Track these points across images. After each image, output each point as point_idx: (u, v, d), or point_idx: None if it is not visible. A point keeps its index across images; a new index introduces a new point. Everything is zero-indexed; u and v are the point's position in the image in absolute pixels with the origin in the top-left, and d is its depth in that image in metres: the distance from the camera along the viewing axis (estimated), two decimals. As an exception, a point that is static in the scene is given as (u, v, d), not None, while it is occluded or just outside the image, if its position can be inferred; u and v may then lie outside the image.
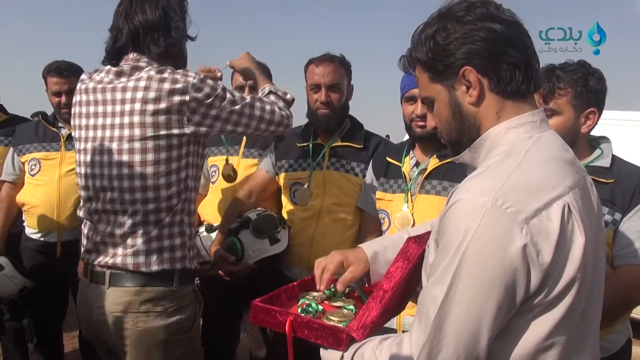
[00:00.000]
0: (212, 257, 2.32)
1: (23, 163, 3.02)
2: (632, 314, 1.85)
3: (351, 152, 2.38)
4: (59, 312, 3.14)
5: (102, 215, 1.74)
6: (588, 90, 1.75)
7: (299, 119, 2.50)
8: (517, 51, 1.04)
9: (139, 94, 1.64)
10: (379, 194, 2.16)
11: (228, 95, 1.74)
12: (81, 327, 1.94)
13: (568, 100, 1.76)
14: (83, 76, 1.84)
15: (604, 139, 1.90)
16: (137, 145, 1.65)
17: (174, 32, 1.75)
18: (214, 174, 2.71)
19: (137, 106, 1.64)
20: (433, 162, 2.02)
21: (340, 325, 1.25)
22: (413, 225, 1.94)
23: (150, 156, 1.66)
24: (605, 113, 1.85)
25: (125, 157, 1.67)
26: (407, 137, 2.21)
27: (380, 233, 2.21)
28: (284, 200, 2.47)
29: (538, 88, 1.13)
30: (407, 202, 2.02)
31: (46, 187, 2.92)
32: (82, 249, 1.82)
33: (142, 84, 1.65)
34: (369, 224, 2.25)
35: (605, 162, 1.81)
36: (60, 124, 3.05)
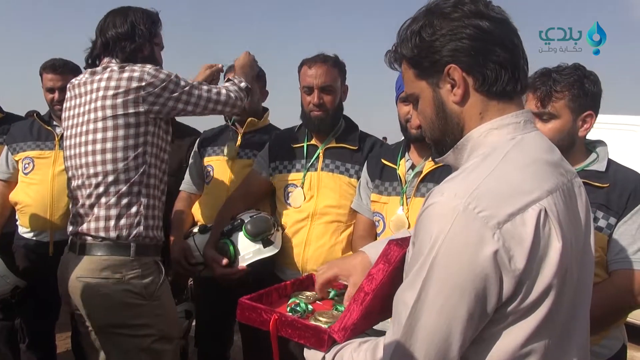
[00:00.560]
0: (205, 259, 2.30)
1: (17, 162, 2.99)
2: (627, 319, 1.85)
3: (345, 153, 2.36)
4: (51, 312, 3.11)
5: (77, 190, 2.05)
6: (585, 93, 1.75)
7: (294, 120, 2.49)
8: (504, 50, 1.01)
9: (103, 84, 1.98)
10: (373, 196, 2.14)
11: (181, 81, 2.06)
12: (63, 300, 2.12)
13: (565, 103, 1.75)
14: (73, 80, 2.15)
15: (600, 142, 1.89)
16: (99, 124, 1.97)
17: (138, 39, 2.10)
18: (208, 174, 2.69)
19: (101, 93, 1.98)
20: (429, 165, 2.00)
21: (326, 326, 1.25)
22: (408, 228, 1.92)
23: (109, 133, 1.96)
24: (605, 117, 1.84)
25: (90, 137, 1.98)
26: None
27: (374, 236, 2.20)
28: (278, 201, 2.45)
29: (525, 90, 1.10)
30: (403, 205, 2.00)
31: (39, 186, 2.90)
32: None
33: (105, 75, 2.00)
34: (363, 226, 2.23)
35: (601, 166, 1.79)
36: (54, 123, 3.02)
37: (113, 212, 1.96)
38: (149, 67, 2.00)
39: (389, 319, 1.05)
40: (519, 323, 0.93)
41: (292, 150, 2.43)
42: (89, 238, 1.98)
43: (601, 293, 1.69)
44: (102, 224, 1.96)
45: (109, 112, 1.95)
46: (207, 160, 2.72)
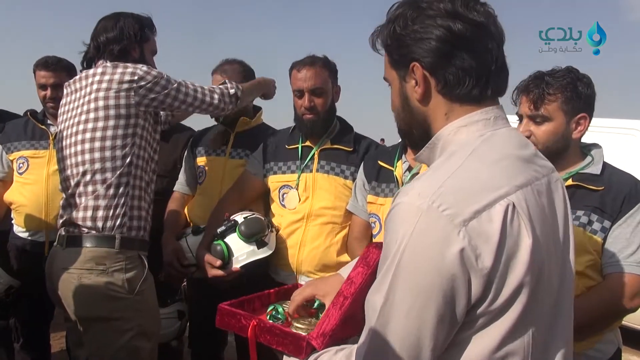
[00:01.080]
0: (198, 260, 2.29)
1: (11, 161, 2.98)
2: (622, 322, 1.84)
3: (341, 154, 2.35)
4: (46, 312, 3.09)
5: (66, 181, 2.09)
6: (578, 95, 1.74)
7: (289, 121, 2.50)
8: (471, 56, 0.97)
9: (97, 78, 2.05)
10: (370, 197, 2.14)
11: (172, 79, 2.13)
12: (50, 296, 2.15)
13: (558, 105, 1.75)
14: (70, 80, 2.21)
15: (595, 145, 1.89)
16: (91, 115, 2.02)
17: (125, 42, 2.18)
18: (200, 174, 2.68)
19: (94, 87, 2.04)
20: (425, 167, 1.99)
21: (305, 333, 1.24)
22: None
23: (100, 123, 2.00)
24: (603, 121, 1.84)
25: (81, 127, 2.03)
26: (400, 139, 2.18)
27: (370, 237, 2.20)
28: (272, 202, 2.43)
29: (499, 93, 1.05)
30: None
31: (34, 185, 2.88)
32: None
33: (99, 71, 2.08)
34: (358, 228, 2.23)
35: (596, 169, 1.79)
36: (49, 122, 3.00)
37: (101, 202, 2.00)
38: (141, 65, 2.08)
39: None
40: (492, 325, 0.89)
41: (286, 152, 2.42)
42: (75, 230, 2.02)
43: (595, 297, 1.69)
44: (89, 213, 1.99)
45: (100, 103, 2.01)
46: (199, 161, 2.70)
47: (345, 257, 2.25)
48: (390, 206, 0.94)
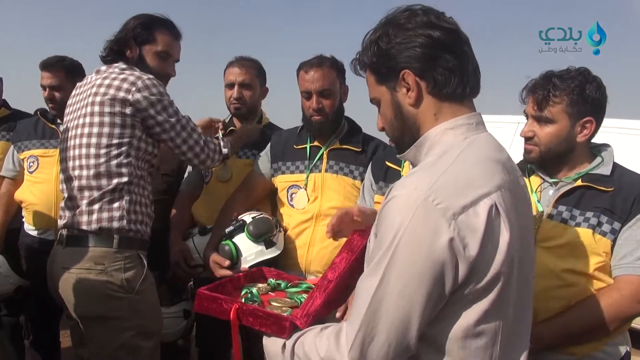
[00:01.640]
0: (205, 260, 2.29)
1: (22, 160, 3.00)
2: (631, 324, 1.83)
3: (349, 155, 2.35)
4: (55, 309, 3.10)
5: (65, 183, 2.10)
6: (584, 98, 1.72)
7: (296, 121, 2.50)
8: (453, 57, 1.10)
9: (99, 81, 2.04)
10: (377, 197, 2.14)
11: (172, 108, 2.09)
12: (52, 294, 2.15)
13: (563, 108, 1.74)
14: (81, 82, 2.19)
15: (605, 146, 1.87)
16: (87, 119, 2.01)
17: (123, 42, 2.15)
18: (207, 174, 2.68)
19: (94, 90, 2.03)
20: (407, 165, 2.00)
21: (283, 312, 1.32)
22: None
23: (95, 129, 1.99)
24: (605, 121, 1.82)
25: (79, 130, 2.03)
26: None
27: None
28: (280, 202, 2.44)
29: (475, 92, 1.17)
30: None
31: (44, 184, 2.90)
32: None
33: (104, 75, 2.06)
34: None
35: (606, 170, 1.78)
36: (58, 121, 3.01)
37: (95, 206, 1.99)
38: (146, 77, 2.04)
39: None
40: (474, 305, 1.01)
41: (294, 152, 2.42)
42: (74, 230, 2.02)
43: (605, 299, 1.69)
44: (84, 218, 1.99)
45: (96, 108, 1.99)
46: None
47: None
48: (386, 198, 1.05)
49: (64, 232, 2.06)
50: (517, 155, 3.77)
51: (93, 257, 1.97)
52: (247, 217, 2.21)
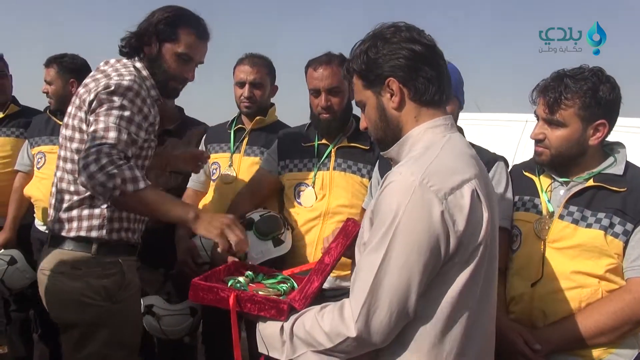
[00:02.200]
0: (212, 258, 2.29)
1: (33, 155, 3.06)
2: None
3: (357, 153, 2.34)
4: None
5: (53, 184, 1.98)
6: (597, 101, 1.68)
7: (304, 118, 2.49)
8: (431, 69, 1.28)
9: (88, 80, 1.91)
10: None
11: (117, 112, 1.76)
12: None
13: (575, 111, 1.70)
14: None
15: (618, 144, 1.84)
16: (71, 121, 1.88)
17: (142, 36, 1.94)
18: (214, 171, 2.68)
19: (82, 89, 1.90)
20: None
21: (272, 296, 1.38)
22: None
23: (69, 132, 1.88)
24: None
25: (63, 130, 1.92)
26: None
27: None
28: (287, 200, 2.43)
29: (449, 98, 1.37)
30: None
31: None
32: None
33: (95, 72, 1.93)
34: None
35: (618, 170, 1.76)
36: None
37: (74, 212, 1.87)
38: (120, 79, 1.82)
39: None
40: (457, 276, 1.18)
41: (302, 149, 2.41)
42: (56, 229, 1.91)
43: (617, 301, 1.67)
44: (65, 224, 1.87)
45: (72, 111, 1.89)
46: (213, 157, 2.69)
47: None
48: (382, 185, 1.21)
49: (49, 230, 1.98)
50: (525, 154, 3.74)
51: (70, 261, 1.86)
52: (255, 215, 2.21)
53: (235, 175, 2.59)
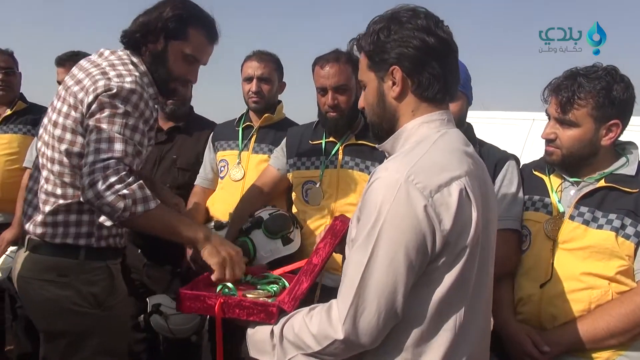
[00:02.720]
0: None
1: None
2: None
3: (366, 150, 2.33)
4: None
5: (33, 180, 1.86)
6: (611, 101, 1.67)
7: (311, 115, 2.48)
8: (440, 65, 1.22)
9: (81, 75, 1.75)
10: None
11: (121, 120, 1.65)
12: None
13: (588, 111, 1.68)
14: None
15: (630, 144, 1.82)
16: (59, 119, 1.74)
17: (148, 30, 1.81)
18: (222, 169, 2.67)
19: (71, 84, 1.75)
20: None
21: (261, 300, 1.36)
22: None
23: (58, 131, 1.73)
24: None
25: (50, 127, 1.77)
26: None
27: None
28: (296, 198, 2.42)
29: (453, 98, 1.34)
30: None
31: None
32: None
33: (90, 66, 1.77)
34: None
35: (631, 170, 1.75)
36: None
37: (61, 217, 1.75)
38: (124, 83, 1.69)
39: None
40: (444, 277, 1.15)
41: (310, 147, 2.40)
42: (38, 233, 1.77)
43: (628, 303, 1.66)
44: (49, 229, 1.75)
45: (65, 109, 1.74)
46: (221, 155, 2.69)
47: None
48: (369, 181, 1.18)
49: (27, 236, 1.82)
50: (532, 153, 3.73)
51: (55, 268, 1.75)
52: (264, 214, 2.20)
53: (243, 172, 2.59)
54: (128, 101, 1.68)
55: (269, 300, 1.36)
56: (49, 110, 1.84)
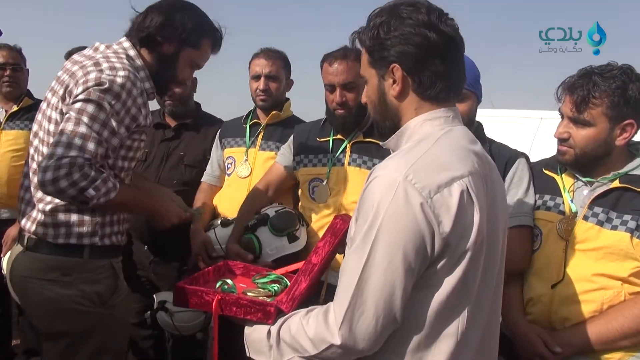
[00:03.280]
0: (227, 253, 2.28)
1: None
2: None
3: (373, 148, 2.30)
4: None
5: (27, 178, 1.81)
6: (626, 100, 1.64)
7: (319, 113, 2.46)
8: (443, 63, 1.17)
9: (80, 71, 1.70)
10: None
11: (104, 118, 1.64)
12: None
13: (602, 111, 1.66)
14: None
15: None
16: (53, 114, 1.72)
17: (164, 33, 1.81)
18: (229, 166, 2.66)
19: (68, 79, 1.71)
20: None
21: (259, 299, 1.35)
22: None
23: (52, 127, 1.70)
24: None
25: (45, 123, 1.74)
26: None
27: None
28: (302, 196, 2.41)
29: (457, 95, 1.26)
30: None
31: None
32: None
33: (87, 60, 1.74)
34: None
35: None
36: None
37: (62, 217, 1.72)
38: (115, 78, 1.67)
39: None
40: (445, 280, 1.10)
41: (317, 144, 2.38)
42: (39, 232, 1.74)
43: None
44: (50, 230, 1.73)
45: (55, 102, 1.72)
46: (228, 152, 2.68)
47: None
48: (368, 179, 1.13)
49: (25, 232, 1.79)
50: (540, 152, 3.71)
51: (59, 268, 1.73)
52: (270, 211, 2.19)
53: (250, 170, 2.58)
54: (118, 97, 1.66)
55: (268, 300, 1.34)
56: (44, 105, 1.82)
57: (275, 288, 1.49)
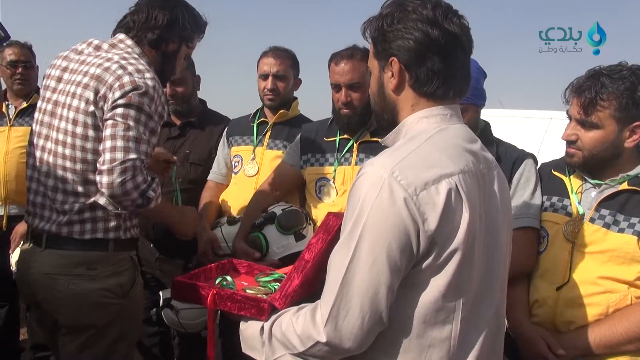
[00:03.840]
0: (233, 251, 2.28)
1: None
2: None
3: (380, 147, 2.28)
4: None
5: (37, 182, 1.83)
6: (635, 102, 1.62)
7: (326, 112, 2.46)
8: (442, 61, 1.15)
9: (96, 71, 1.74)
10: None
11: (145, 120, 1.72)
12: (18, 288, 2.00)
13: (610, 113, 1.64)
14: (77, 46, 1.90)
15: None
16: (73, 115, 1.73)
17: (169, 31, 1.86)
18: (236, 164, 2.67)
19: (86, 80, 1.73)
20: None
21: (253, 294, 1.36)
22: None
23: (79, 129, 1.72)
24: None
25: (63, 124, 1.75)
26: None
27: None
28: (309, 195, 2.41)
29: (460, 95, 1.24)
30: None
31: None
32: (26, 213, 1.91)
33: (103, 61, 1.75)
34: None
35: None
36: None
37: (87, 215, 1.77)
38: (145, 81, 1.72)
39: None
40: (432, 280, 1.08)
41: (324, 144, 2.39)
42: (59, 229, 1.78)
43: None
44: (76, 227, 1.76)
45: (82, 105, 1.72)
46: (235, 150, 2.69)
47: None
48: (357, 175, 1.12)
49: (39, 230, 1.82)
50: (549, 152, 3.69)
51: (84, 262, 1.77)
52: (277, 209, 2.20)
53: (257, 168, 2.58)
54: (153, 100, 1.73)
55: (264, 297, 1.35)
56: (48, 105, 1.82)
57: (276, 287, 1.49)
